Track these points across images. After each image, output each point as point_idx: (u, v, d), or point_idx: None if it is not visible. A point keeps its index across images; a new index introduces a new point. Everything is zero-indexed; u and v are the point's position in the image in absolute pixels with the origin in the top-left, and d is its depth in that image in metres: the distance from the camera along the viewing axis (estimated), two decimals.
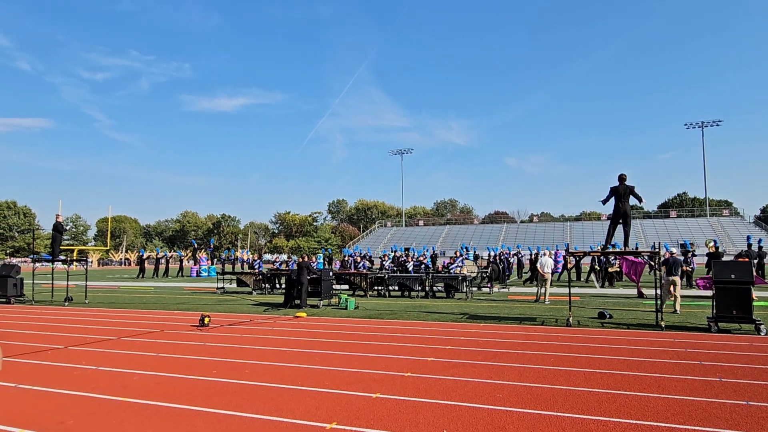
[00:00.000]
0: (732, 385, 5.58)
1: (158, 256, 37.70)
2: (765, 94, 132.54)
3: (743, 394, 5.23)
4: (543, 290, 15.39)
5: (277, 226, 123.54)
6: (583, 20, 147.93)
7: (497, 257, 23.70)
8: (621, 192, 10.53)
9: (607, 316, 11.12)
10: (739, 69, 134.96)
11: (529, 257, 30.00)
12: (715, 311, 9.43)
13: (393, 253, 24.55)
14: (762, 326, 8.99)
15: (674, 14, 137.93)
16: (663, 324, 9.78)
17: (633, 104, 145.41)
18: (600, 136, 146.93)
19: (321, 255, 34.68)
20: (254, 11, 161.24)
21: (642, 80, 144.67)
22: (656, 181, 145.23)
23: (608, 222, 11.26)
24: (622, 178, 10.61)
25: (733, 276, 9.33)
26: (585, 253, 12.51)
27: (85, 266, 17.51)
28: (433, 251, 29.62)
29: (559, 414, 4.62)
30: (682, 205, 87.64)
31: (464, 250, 23.17)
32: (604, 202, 10.74)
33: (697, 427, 4.25)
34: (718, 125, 67.06)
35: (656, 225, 66.92)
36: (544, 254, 16.70)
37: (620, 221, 10.70)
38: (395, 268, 19.78)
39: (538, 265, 15.62)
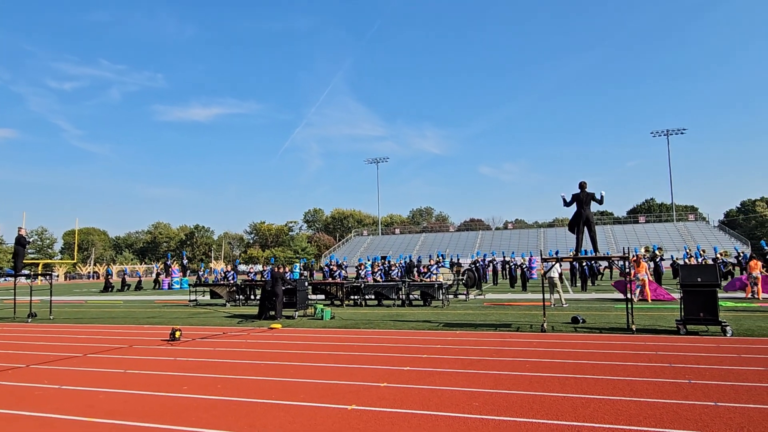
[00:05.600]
0: (701, 386, 5.70)
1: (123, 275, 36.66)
2: (725, 103, 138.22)
3: (712, 395, 5.34)
4: (557, 296, 15.54)
5: (252, 236, 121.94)
6: (553, 34, 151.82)
7: (473, 264, 23.87)
8: (582, 198, 10.76)
9: (581, 321, 11.29)
10: (701, 79, 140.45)
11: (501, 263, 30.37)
12: (683, 314, 9.66)
13: (369, 262, 24.46)
14: (728, 328, 9.25)
15: (640, 28, 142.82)
16: (634, 327, 9.97)
17: (601, 114, 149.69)
18: (570, 145, 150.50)
19: (297, 265, 34.24)
20: (230, 23, 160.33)
21: (609, 91, 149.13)
22: (625, 188, 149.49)
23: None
24: (582, 186, 10.85)
25: (699, 279, 9.59)
26: (558, 259, 12.70)
27: (49, 280, 16.90)
28: (410, 259, 29.60)
29: (534, 420, 4.63)
30: (650, 211, 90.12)
31: (440, 257, 23.24)
32: (568, 204, 10.94)
33: (668, 430, 4.32)
34: (682, 133, 69.49)
35: (626, 230, 68.62)
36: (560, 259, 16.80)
37: (584, 227, 10.89)
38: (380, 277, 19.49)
39: (543, 270, 15.76)
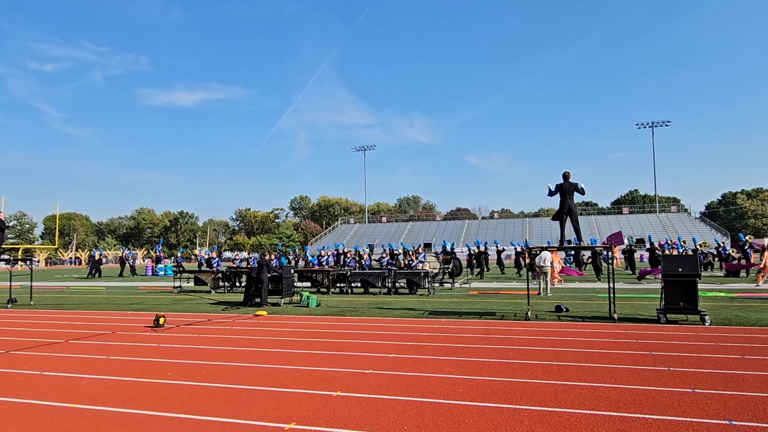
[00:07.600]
0: (679, 373, 5.83)
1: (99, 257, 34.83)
2: (710, 96, 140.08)
3: (690, 382, 5.46)
4: (544, 285, 15.70)
5: (238, 223, 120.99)
6: (541, 25, 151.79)
7: (469, 253, 23.87)
8: (566, 189, 10.81)
9: (564, 310, 11.44)
10: (687, 72, 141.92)
11: (475, 252, 30.42)
12: (663, 303, 9.84)
13: (356, 251, 24.39)
14: (707, 317, 9.45)
15: (627, 20, 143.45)
16: (616, 316, 10.14)
17: (588, 105, 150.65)
18: (557, 136, 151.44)
19: (298, 250, 33.89)
20: (217, 6, 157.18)
21: (596, 83, 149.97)
22: (609, 179, 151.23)
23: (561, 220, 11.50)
24: (566, 176, 10.90)
25: (680, 270, 9.76)
26: (542, 248, 12.83)
27: (30, 266, 16.61)
28: (404, 248, 29.47)
29: (517, 407, 4.70)
30: (633, 202, 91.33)
31: (445, 246, 23.12)
32: (552, 194, 10.98)
33: (647, 416, 4.41)
34: (667, 125, 70.28)
35: (609, 221, 69.55)
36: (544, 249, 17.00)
37: (567, 217, 10.95)
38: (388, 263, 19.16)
39: (537, 259, 15.91)
